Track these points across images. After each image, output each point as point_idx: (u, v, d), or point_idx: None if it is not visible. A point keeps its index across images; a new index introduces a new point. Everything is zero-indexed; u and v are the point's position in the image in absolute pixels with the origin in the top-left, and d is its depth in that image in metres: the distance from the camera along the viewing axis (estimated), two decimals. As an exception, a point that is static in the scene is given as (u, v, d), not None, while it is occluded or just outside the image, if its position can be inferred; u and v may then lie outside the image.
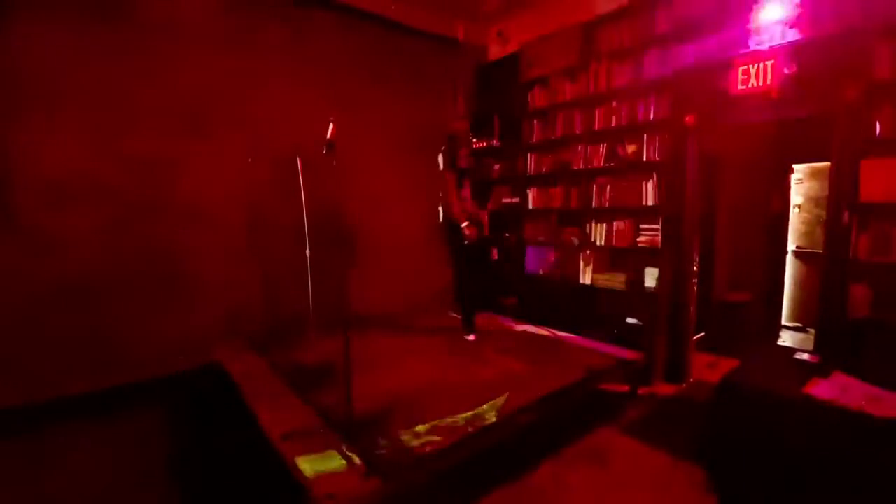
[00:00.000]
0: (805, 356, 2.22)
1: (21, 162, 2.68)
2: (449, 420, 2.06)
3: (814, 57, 2.61)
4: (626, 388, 3.06)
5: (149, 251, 3.09)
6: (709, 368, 3.53)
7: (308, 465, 1.70)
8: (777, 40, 2.71)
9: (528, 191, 4.35)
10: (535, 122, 4.26)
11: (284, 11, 3.58)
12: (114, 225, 2.96)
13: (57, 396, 2.75)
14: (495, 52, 4.80)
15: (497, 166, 4.74)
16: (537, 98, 4.22)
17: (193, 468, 2.30)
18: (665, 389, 3.21)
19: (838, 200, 2.55)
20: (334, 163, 1.92)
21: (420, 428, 1.99)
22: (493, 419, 2.08)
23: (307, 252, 2.63)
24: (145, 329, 3.08)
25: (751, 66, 2.85)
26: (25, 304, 2.69)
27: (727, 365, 3.44)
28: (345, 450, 1.80)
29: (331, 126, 1.97)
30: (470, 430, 2.00)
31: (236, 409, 2.38)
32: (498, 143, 4.68)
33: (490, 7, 4.43)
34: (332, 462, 1.73)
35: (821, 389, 1.80)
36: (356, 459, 1.74)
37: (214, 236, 3.35)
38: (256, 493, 2.06)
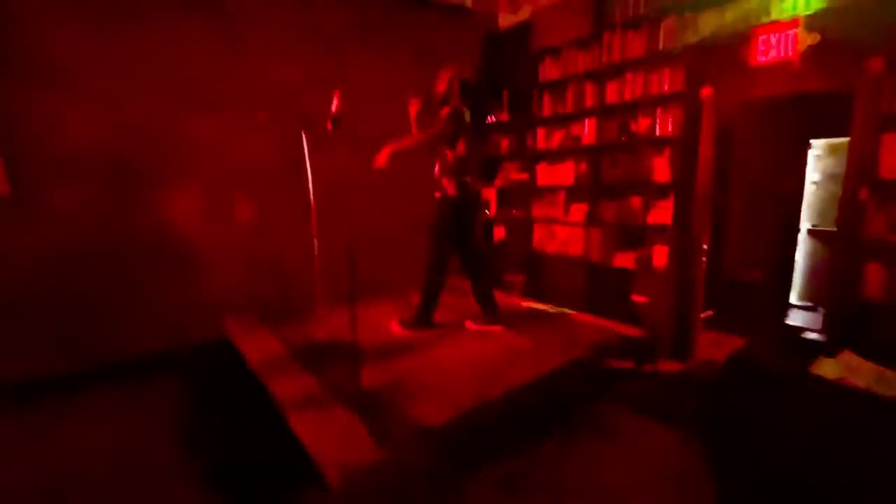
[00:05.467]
0: (814, 335, 2.20)
1: (33, 135, 2.69)
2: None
3: (837, 27, 2.49)
4: (631, 364, 3.08)
5: (160, 225, 3.12)
6: (716, 346, 3.52)
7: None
8: (801, 8, 2.58)
9: (536, 167, 4.29)
10: (545, 94, 4.15)
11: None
12: (124, 198, 2.98)
13: (67, 369, 2.84)
14: (505, 20, 4.64)
15: (505, 141, 4.66)
16: (548, 70, 4.10)
17: (204, 443, 2.37)
18: (671, 367, 3.22)
19: (857, 176, 2.48)
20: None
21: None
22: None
23: (313, 228, 2.63)
24: (156, 302, 3.14)
25: (772, 36, 2.73)
26: (37, 276, 2.75)
27: (735, 343, 3.43)
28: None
29: (335, 99, 1.94)
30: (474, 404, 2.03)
31: (246, 382, 2.43)
32: (507, 117, 4.59)
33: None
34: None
35: (828, 369, 1.79)
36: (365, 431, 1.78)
37: (224, 210, 3.36)
38: (266, 463, 2.12)
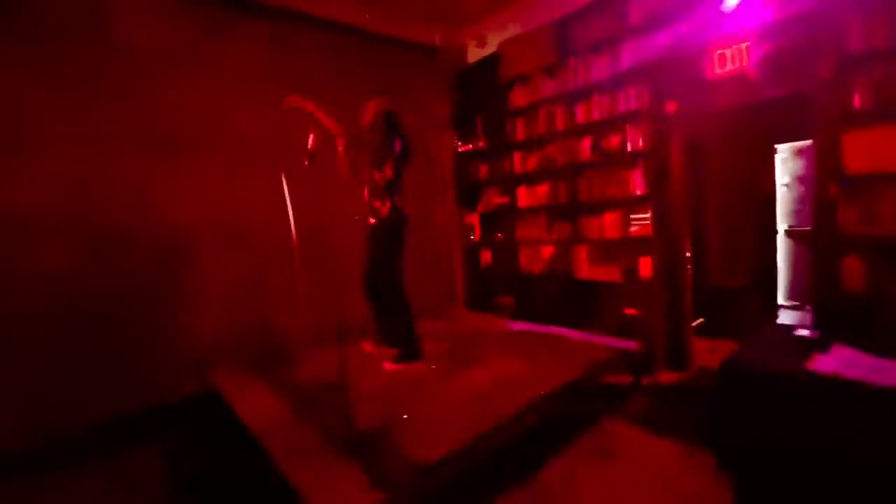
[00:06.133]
0: (804, 332, 2.22)
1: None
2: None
3: (787, 35, 2.63)
4: (629, 378, 3.05)
5: (135, 277, 3.02)
6: (710, 353, 3.52)
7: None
8: (751, 21, 2.73)
9: (516, 190, 4.35)
10: (517, 120, 4.26)
11: (260, 28, 3.57)
12: (95, 253, 2.89)
13: (50, 439, 2.67)
14: (474, 54, 4.81)
15: (484, 168, 4.74)
16: (518, 97, 4.23)
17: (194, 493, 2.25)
18: (668, 377, 3.20)
19: (823, 176, 2.56)
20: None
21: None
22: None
23: (296, 267, 2.60)
24: (134, 358, 3.01)
25: (726, 50, 2.87)
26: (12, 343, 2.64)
27: (728, 348, 3.43)
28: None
29: (311, 138, 1.96)
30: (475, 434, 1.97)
31: (234, 431, 2.34)
32: (483, 145, 4.68)
33: (467, 10, 4.44)
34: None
35: (822, 364, 1.79)
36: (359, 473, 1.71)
37: (204, 257, 3.30)
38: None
